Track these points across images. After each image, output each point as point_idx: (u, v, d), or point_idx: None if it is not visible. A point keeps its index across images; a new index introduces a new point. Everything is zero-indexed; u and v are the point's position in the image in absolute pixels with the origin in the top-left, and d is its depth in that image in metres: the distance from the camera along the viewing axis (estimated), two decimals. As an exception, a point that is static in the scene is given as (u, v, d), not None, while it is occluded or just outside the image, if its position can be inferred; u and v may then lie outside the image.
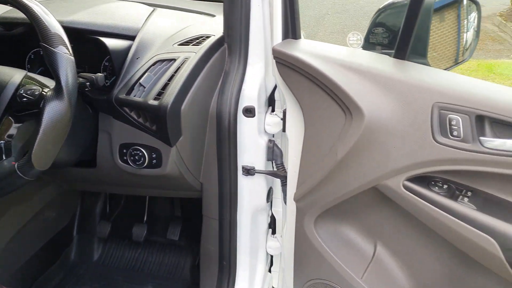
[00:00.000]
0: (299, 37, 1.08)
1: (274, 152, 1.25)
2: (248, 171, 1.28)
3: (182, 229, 1.69)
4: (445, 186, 0.90)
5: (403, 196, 0.92)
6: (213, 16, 1.40)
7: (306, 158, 1.05)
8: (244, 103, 1.19)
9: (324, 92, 0.97)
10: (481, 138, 0.82)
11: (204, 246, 1.37)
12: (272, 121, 1.24)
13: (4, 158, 0.89)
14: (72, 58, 0.89)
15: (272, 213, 1.42)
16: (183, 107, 1.06)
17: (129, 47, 1.16)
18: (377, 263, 1.08)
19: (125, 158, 1.14)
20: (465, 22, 1.10)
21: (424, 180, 0.91)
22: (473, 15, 1.12)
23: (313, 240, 1.09)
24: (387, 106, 0.89)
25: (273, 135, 1.30)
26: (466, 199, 0.87)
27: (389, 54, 1.00)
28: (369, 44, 1.08)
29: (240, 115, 1.20)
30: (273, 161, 1.26)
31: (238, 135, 1.22)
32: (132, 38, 1.18)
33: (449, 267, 0.99)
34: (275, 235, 1.43)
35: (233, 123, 1.15)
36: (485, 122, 0.83)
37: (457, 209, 0.86)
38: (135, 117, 1.09)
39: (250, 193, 1.32)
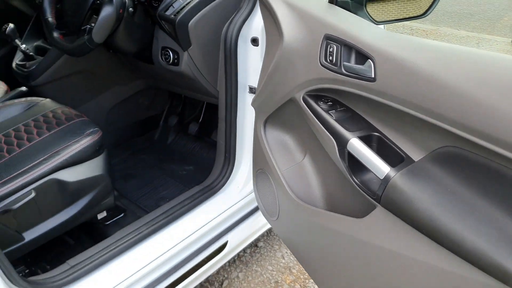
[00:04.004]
0: None
1: None
2: (251, 90, 1.67)
3: None
4: (329, 102, 1.14)
5: (302, 108, 1.20)
6: None
7: (262, 72, 1.39)
8: (252, 34, 1.56)
9: (274, 23, 1.29)
10: (344, 63, 1.05)
11: (218, 142, 1.83)
12: None
13: (86, 36, 1.52)
14: None
15: None
16: (190, 22, 1.50)
17: None
18: (300, 166, 1.36)
19: (162, 57, 1.68)
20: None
21: (318, 96, 1.17)
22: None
23: (261, 139, 1.43)
24: (300, 34, 1.17)
25: None
26: (334, 111, 1.11)
27: None
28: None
29: (248, 44, 1.57)
30: None
31: (245, 60, 1.59)
32: None
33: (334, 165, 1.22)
34: None
35: (233, 47, 1.53)
36: (352, 51, 1.04)
37: (323, 117, 1.11)
38: (166, 27, 1.59)
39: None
